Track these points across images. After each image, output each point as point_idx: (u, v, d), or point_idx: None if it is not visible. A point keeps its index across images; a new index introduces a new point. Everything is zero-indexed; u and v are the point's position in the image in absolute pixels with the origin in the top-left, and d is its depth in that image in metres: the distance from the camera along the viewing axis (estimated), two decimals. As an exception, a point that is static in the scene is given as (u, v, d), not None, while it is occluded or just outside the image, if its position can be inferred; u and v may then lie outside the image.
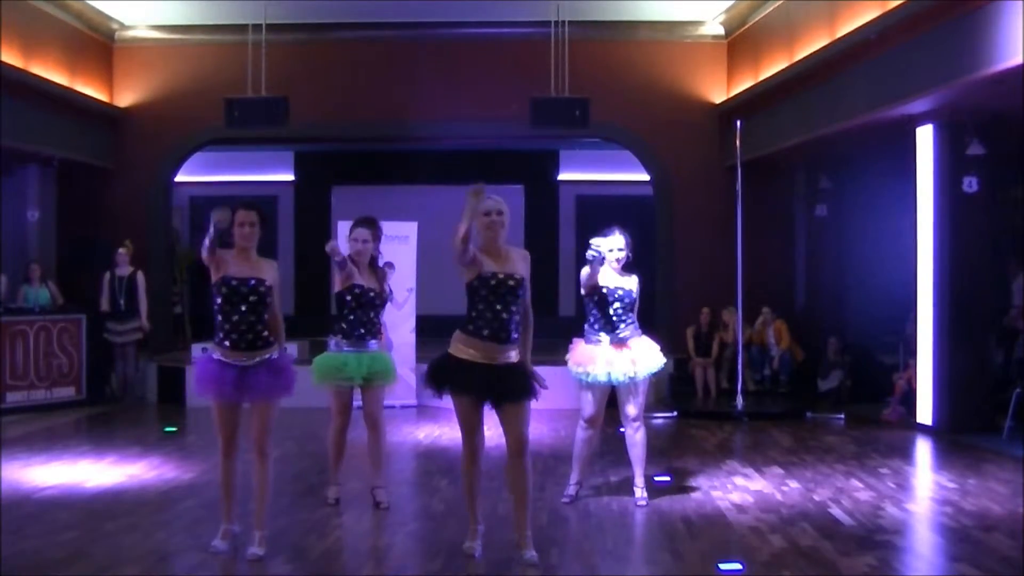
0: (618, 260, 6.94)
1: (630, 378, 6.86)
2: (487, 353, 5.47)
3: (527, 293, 5.58)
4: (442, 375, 5.59)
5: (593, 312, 6.97)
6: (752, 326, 12.96)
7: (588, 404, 7.04)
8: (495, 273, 5.48)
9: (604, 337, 6.91)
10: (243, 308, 5.62)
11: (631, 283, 6.98)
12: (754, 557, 5.80)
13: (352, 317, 6.83)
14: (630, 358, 6.85)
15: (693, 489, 7.56)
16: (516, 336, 5.53)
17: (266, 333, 5.71)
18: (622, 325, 6.91)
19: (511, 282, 5.48)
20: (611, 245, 6.93)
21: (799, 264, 14.14)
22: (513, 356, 5.55)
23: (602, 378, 6.88)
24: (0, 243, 12.67)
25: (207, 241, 5.53)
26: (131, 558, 5.78)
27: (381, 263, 7.00)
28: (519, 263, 5.57)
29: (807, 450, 9.27)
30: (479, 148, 16.85)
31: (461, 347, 5.52)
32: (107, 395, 12.71)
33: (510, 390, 5.51)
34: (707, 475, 8.11)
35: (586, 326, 7.03)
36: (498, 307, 5.46)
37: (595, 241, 6.77)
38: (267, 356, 5.70)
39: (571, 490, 7.18)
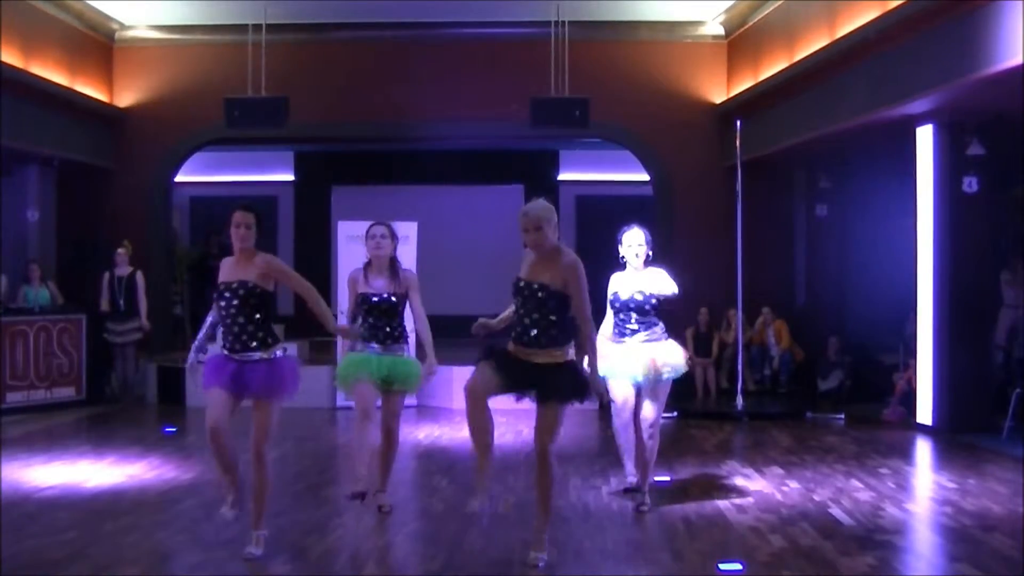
0: (637, 255, 6.91)
1: (653, 380, 6.83)
2: (523, 356, 5.56)
3: (567, 300, 5.48)
4: (489, 348, 5.63)
5: (616, 314, 6.97)
6: (752, 326, 12.97)
7: (617, 395, 6.98)
8: (518, 279, 5.59)
9: (627, 340, 6.89)
10: (231, 311, 5.71)
11: (653, 282, 6.90)
12: (754, 557, 5.80)
13: (368, 323, 6.76)
14: (652, 360, 6.82)
15: (693, 489, 7.56)
16: (546, 341, 5.49)
17: (261, 333, 5.71)
18: (645, 327, 6.88)
19: (528, 291, 5.52)
20: (630, 241, 6.91)
21: (799, 264, 14.15)
22: (552, 358, 5.51)
23: (627, 378, 6.87)
24: (0, 243, 12.68)
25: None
26: (131, 558, 5.78)
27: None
28: (557, 271, 5.49)
29: (807, 450, 9.28)
30: (479, 148, 16.87)
31: (510, 345, 5.65)
32: (107, 395, 12.71)
33: (543, 388, 5.51)
34: (707, 475, 8.11)
35: (612, 326, 7.00)
36: (520, 312, 5.56)
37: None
38: (265, 356, 5.70)
39: (629, 480, 7.21)
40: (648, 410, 6.91)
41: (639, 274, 6.93)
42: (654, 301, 6.92)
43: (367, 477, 6.53)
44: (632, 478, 7.21)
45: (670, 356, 6.90)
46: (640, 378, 6.84)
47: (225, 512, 5.89)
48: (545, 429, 5.55)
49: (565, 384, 5.53)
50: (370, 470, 6.81)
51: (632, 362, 6.82)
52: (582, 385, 5.57)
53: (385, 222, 6.93)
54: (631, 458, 7.20)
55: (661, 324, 6.99)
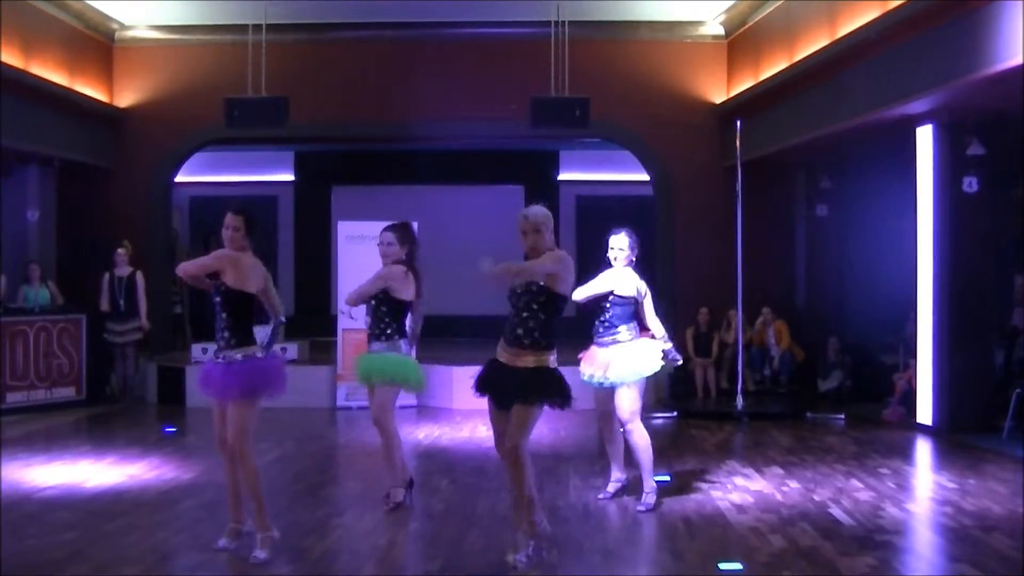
0: (616, 259, 6.93)
1: (600, 383, 6.90)
2: (503, 354, 5.67)
3: (556, 301, 5.59)
4: (480, 376, 5.81)
5: (592, 314, 7.02)
6: (752, 326, 12.97)
7: (597, 405, 7.17)
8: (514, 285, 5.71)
9: (597, 339, 6.97)
10: (214, 310, 5.86)
11: (628, 283, 6.92)
12: (754, 557, 5.80)
13: (367, 319, 7.00)
14: (616, 362, 6.84)
15: (693, 489, 7.56)
16: (529, 342, 5.57)
17: (227, 333, 5.78)
18: (615, 327, 6.89)
19: (519, 289, 5.62)
20: (613, 243, 6.94)
21: (799, 264, 14.14)
22: (528, 361, 5.57)
23: (589, 380, 6.96)
24: (0, 243, 12.67)
25: None
26: (131, 558, 5.78)
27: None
28: (545, 267, 5.59)
29: (807, 450, 9.28)
30: (479, 148, 16.87)
31: (498, 348, 5.76)
32: (107, 395, 12.71)
33: (507, 394, 5.59)
34: (707, 475, 8.11)
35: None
36: (510, 312, 5.67)
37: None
38: (233, 355, 5.74)
39: (608, 487, 7.28)
40: (618, 409, 6.94)
41: (615, 275, 6.94)
42: (609, 302, 6.91)
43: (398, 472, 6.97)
44: (618, 483, 7.26)
45: (633, 358, 6.88)
46: (596, 382, 6.90)
47: (223, 542, 5.91)
48: (514, 425, 5.58)
49: (538, 387, 5.57)
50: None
51: (589, 365, 6.94)
52: (560, 390, 5.62)
53: (398, 225, 7.07)
54: (618, 462, 7.26)
55: (630, 324, 6.95)
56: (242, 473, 5.78)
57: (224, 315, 5.77)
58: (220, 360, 5.77)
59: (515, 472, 5.60)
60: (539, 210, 5.71)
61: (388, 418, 6.89)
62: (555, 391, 5.60)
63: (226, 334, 5.77)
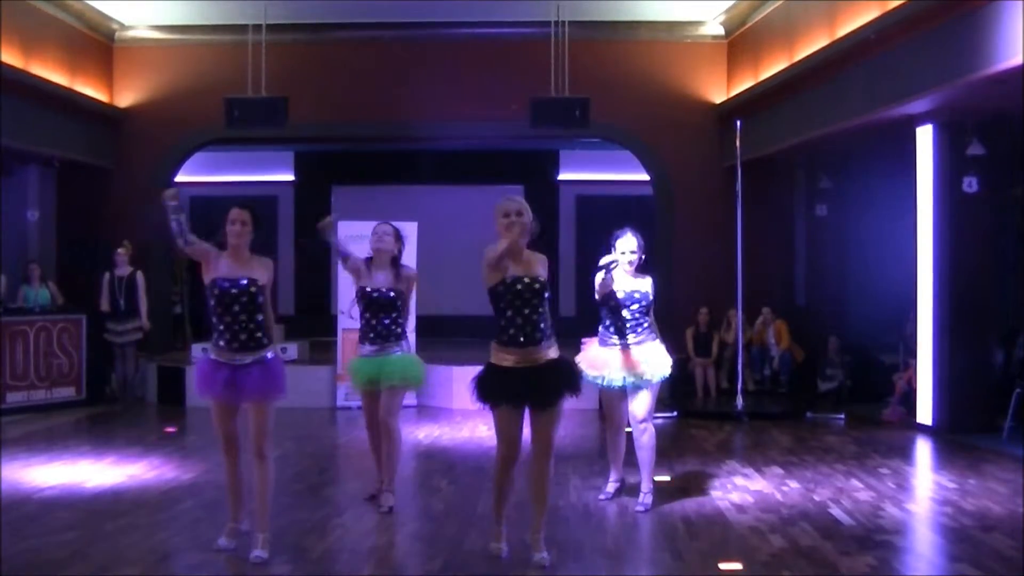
0: (631, 262, 6.90)
1: (646, 381, 6.86)
2: (526, 357, 5.53)
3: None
4: (487, 386, 5.61)
5: (608, 316, 6.96)
6: (752, 326, 12.97)
7: (607, 408, 7.14)
8: (520, 277, 5.52)
9: (619, 341, 6.89)
10: (235, 309, 5.64)
11: (646, 285, 6.92)
12: (754, 557, 5.80)
13: (365, 319, 6.93)
14: (644, 363, 6.83)
15: (693, 489, 7.56)
16: (550, 333, 5.59)
17: (259, 334, 5.70)
18: (638, 329, 6.88)
19: (536, 285, 5.53)
20: (624, 247, 6.91)
21: (799, 264, 14.14)
22: (552, 353, 5.60)
23: (617, 383, 6.88)
24: (0, 243, 12.67)
25: (174, 227, 5.59)
26: (131, 558, 5.78)
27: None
28: (538, 266, 5.61)
29: (807, 450, 9.28)
30: (479, 148, 16.87)
31: (501, 355, 5.58)
32: (107, 395, 12.71)
33: (546, 394, 5.55)
34: (707, 475, 8.11)
35: (601, 329, 7.01)
36: (527, 311, 5.52)
37: (607, 257, 6.78)
38: (260, 356, 5.70)
39: (608, 487, 7.28)
40: (637, 409, 6.90)
41: (632, 278, 6.94)
42: (648, 301, 6.94)
43: (377, 476, 6.98)
44: (617, 483, 7.27)
45: (659, 358, 6.90)
46: (629, 381, 6.86)
47: (223, 542, 5.91)
48: (551, 426, 5.58)
49: (564, 380, 5.60)
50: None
51: (621, 365, 6.85)
52: (577, 379, 5.70)
53: (391, 225, 7.02)
54: (619, 463, 7.27)
55: (652, 325, 6.99)
56: (261, 473, 5.74)
57: (258, 315, 5.69)
58: (236, 361, 5.66)
59: (548, 469, 5.61)
60: (519, 197, 5.75)
61: (397, 419, 6.92)
62: (577, 379, 5.68)
63: (258, 334, 5.69)
